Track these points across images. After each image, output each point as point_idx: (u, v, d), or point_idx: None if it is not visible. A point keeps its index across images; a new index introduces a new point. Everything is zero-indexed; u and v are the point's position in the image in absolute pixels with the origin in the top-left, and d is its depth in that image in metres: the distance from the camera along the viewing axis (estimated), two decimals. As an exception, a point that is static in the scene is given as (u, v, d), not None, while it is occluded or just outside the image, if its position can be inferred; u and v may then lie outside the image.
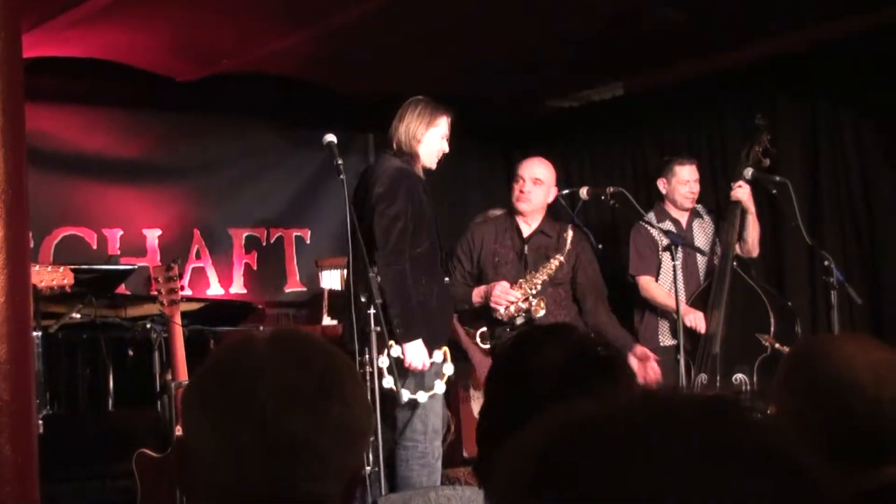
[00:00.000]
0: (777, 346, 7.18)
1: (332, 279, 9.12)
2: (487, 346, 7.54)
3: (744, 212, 7.76)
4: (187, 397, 2.01)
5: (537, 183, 7.32)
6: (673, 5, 7.54)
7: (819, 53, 8.38)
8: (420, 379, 6.52)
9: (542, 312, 7.11)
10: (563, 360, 2.47)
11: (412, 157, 6.79)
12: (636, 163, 9.79)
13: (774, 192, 7.57)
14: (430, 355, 6.49)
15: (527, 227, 7.45)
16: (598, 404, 1.07)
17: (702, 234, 8.03)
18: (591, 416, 1.06)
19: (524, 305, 7.10)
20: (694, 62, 8.94)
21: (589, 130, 10.14)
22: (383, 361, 6.34)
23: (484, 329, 7.54)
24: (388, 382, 6.35)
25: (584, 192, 7.55)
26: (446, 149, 6.92)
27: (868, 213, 8.38)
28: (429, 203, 6.71)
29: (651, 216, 7.96)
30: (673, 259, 7.37)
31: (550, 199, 7.45)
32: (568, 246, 7.24)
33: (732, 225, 7.73)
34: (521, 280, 7.19)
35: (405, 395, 6.45)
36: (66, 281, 6.08)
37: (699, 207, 8.17)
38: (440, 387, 6.60)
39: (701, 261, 7.97)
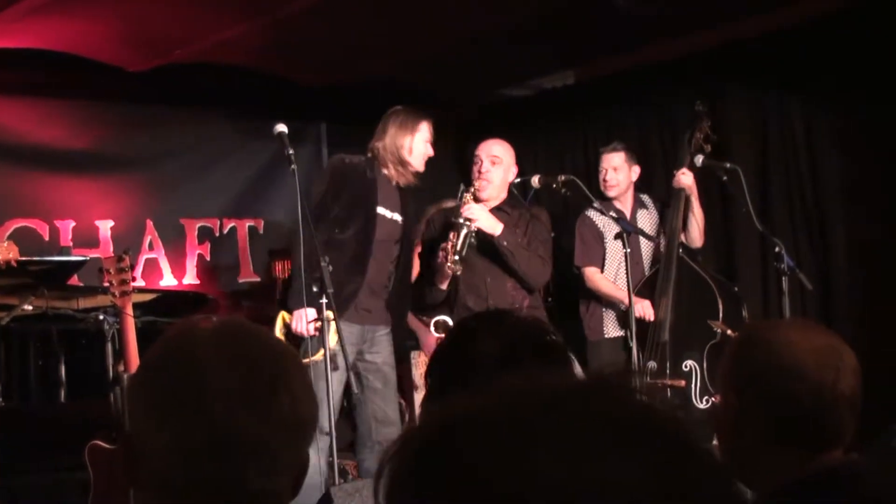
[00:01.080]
0: (728, 332, 7.22)
1: (285, 269, 9.11)
2: (440, 335, 7.56)
3: (688, 199, 7.77)
4: (133, 395, 1.98)
5: (496, 162, 7.24)
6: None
7: (768, 42, 8.42)
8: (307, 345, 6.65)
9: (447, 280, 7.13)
10: (498, 347, 2.48)
11: (402, 164, 6.96)
12: (588, 151, 9.81)
13: (725, 178, 7.58)
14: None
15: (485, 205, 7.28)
16: (475, 396, 1.07)
17: (646, 223, 8.01)
18: (468, 410, 1.06)
19: (456, 267, 7.02)
20: (645, 50, 8.97)
21: (540, 118, 10.15)
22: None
23: (439, 318, 7.54)
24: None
25: (535, 180, 7.54)
26: (431, 152, 7.01)
27: (817, 199, 8.43)
28: (372, 203, 6.84)
29: (593, 206, 7.95)
30: (624, 247, 7.40)
31: (510, 177, 7.38)
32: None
33: (676, 212, 7.74)
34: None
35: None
36: (10, 255, 6.04)
37: (644, 197, 8.17)
38: (319, 355, 6.61)
39: (646, 250, 7.96)
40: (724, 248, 8.77)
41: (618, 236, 7.59)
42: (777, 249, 7.09)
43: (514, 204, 7.45)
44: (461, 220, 6.94)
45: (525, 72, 9.90)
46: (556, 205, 9.02)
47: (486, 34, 8.29)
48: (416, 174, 7.05)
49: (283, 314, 6.79)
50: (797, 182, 8.52)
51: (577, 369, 2.62)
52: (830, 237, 8.35)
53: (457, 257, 6.91)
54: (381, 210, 6.97)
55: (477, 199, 7.20)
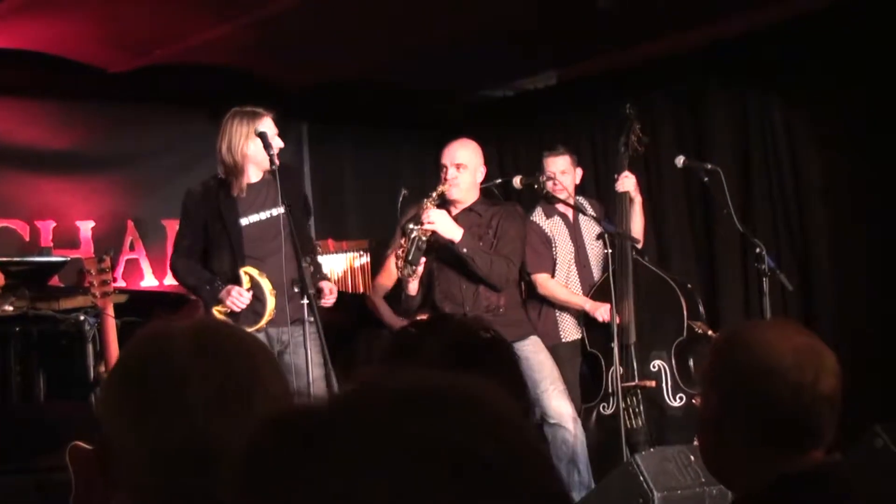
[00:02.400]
0: (709, 332, 7.24)
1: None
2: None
3: (632, 201, 7.76)
4: (109, 401, 1.95)
5: (461, 168, 7.18)
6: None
7: (749, 41, 8.45)
8: None
9: (412, 285, 7.12)
10: (442, 351, 2.48)
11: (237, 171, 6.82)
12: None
13: (706, 180, 7.59)
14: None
15: (454, 209, 7.25)
16: (301, 401, 1.07)
17: (586, 225, 7.98)
18: (291, 415, 1.05)
19: (406, 272, 7.02)
20: (626, 52, 8.99)
21: (522, 119, 10.17)
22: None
23: (423, 317, 7.55)
24: None
25: (517, 180, 7.54)
26: (280, 143, 6.86)
27: (798, 200, 8.46)
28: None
29: (538, 211, 7.91)
30: (606, 248, 7.38)
31: (479, 178, 7.33)
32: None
33: (624, 215, 7.71)
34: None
35: None
36: None
37: (581, 200, 8.10)
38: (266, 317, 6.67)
39: (593, 254, 7.92)
40: (705, 249, 8.79)
41: (598, 237, 7.59)
42: (758, 250, 7.10)
43: (488, 204, 7.40)
44: (412, 226, 6.95)
45: (507, 73, 9.91)
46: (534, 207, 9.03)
47: (468, 35, 8.30)
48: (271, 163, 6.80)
49: (215, 311, 6.70)
50: (778, 183, 8.55)
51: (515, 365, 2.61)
52: (811, 238, 8.38)
53: (405, 263, 6.92)
54: (245, 220, 6.84)
55: (445, 203, 7.20)
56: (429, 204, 7.02)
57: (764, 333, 2.70)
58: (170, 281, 9.41)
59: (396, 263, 7.00)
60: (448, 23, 8.02)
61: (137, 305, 7.75)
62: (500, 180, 7.80)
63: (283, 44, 8.39)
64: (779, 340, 2.63)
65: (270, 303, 6.64)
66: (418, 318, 7.44)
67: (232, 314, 6.61)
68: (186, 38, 8.05)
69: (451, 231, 6.98)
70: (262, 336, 6.58)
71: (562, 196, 7.82)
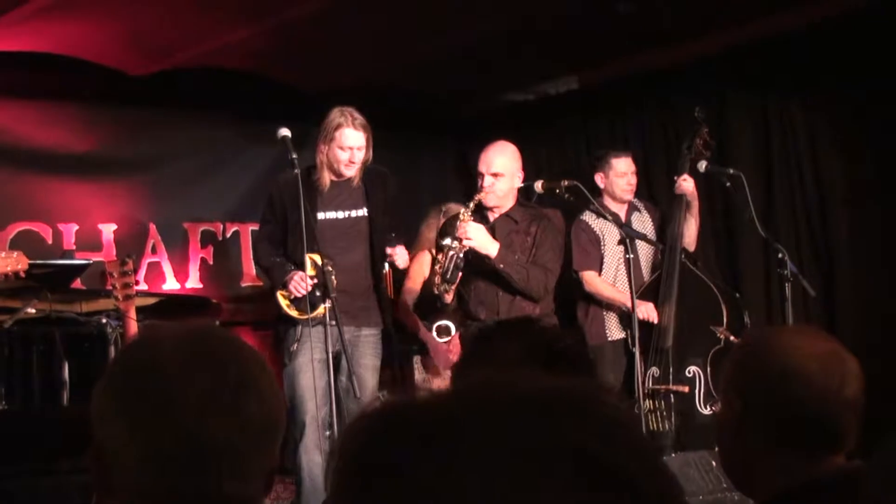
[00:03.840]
0: (731, 338, 7.21)
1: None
2: (443, 340, 7.57)
3: (689, 205, 7.77)
4: (101, 403, 1.95)
5: (498, 176, 7.13)
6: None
7: (770, 46, 8.42)
8: None
9: (448, 300, 7.10)
10: (521, 354, 2.49)
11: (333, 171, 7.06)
12: (591, 156, 9.81)
13: (728, 184, 7.58)
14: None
15: (492, 215, 7.24)
16: (417, 398, 1.06)
17: (640, 227, 8.00)
18: (407, 412, 1.05)
19: (442, 288, 7.00)
20: (647, 56, 8.97)
21: (544, 124, 10.15)
22: None
23: (441, 322, 7.55)
24: None
25: (538, 185, 7.53)
26: (355, 159, 7.04)
27: (820, 206, 8.43)
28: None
29: (588, 211, 7.94)
30: (627, 252, 7.38)
31: (517, 183, 7.27)
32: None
33: (678, 218, 7.73)
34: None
35: None
36: (20, 266, 6.05)
37: (636, 201, 8.17)
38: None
39: (644, 255, 7.95)
40: (728, 254, 8.77)
41: (620, 241, 7.59)
42: (780, 255, 7.08)
43: (525, 209, 7.35)
44: (449, 242, 6.93)
45: (529, 77, 9.89)
46: (559, 209, 9.02)
47: (490, 39, 8.29)
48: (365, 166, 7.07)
49: (279, 294, 6.87)
50: (800, 187, 8.52)
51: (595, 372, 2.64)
52: (833, 243, 8.35)
53: (443, 280, 6.91)
54: (322, 215, 7.01)
55: (481, 209, 7.18)
56: (465, 217, 6.99)
57: (788, 339, 2.70)
58: (191, 284, 9.44)
59: (434, 280, 6.99)
60: (469, 27, 8.01)
61: (159, 308, 7.77)
62: (521, 185, 7.80)
63: (303, 48, 8.40)
64: (803, 346, 2.62)
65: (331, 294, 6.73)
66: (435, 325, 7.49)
67: (294, 299, 6.79)
68: (206, 41, 8.06)
69: (488, 247, 6.96)
70: (319, 331, 6.72)
71: (627, 198, 7.94)
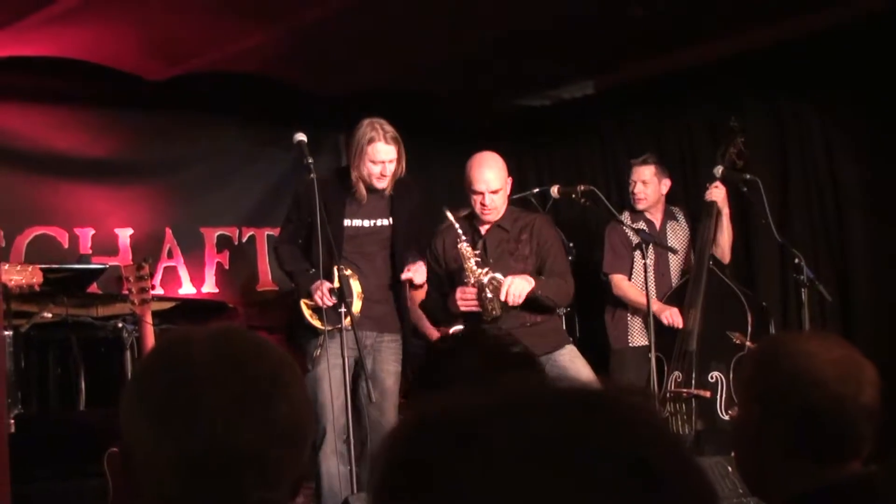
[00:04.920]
0: (748, 343, 7.20)
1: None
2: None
3: (720, 212, 7.75)
4: (128, 406, 1.93)
5: (497, 192, 7.03)
6: (638, 3, 7.57)
7: (786, 50, 8.40)
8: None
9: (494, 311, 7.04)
10: (477, 364, 2.50)
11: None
12: (606, 161, 9.80)
13: (744, 190, 7.57)
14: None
15: (483, 227, 7.19)
16: (449, 400, 1.06)
17: (674, 236, 7.99)
18: (442, 414, 1.05)
19: (490, 294, 6.95)
20: (663, 60, 8.95)
21: (559, 128, 10.15)
22: None
23: (458, 327, 7.55)
24: None
25: (554, 190, 7.53)
26: (386, 172, 7.02)
27: (837, 210, 8.41)
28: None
29: (626, 215, 7.94)
30: (644, 258, 7.38)
31: (508, 191, 7.17)
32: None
33: (708, 225, 7.72)
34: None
35: None
36: (35, 280, 6.06)
37: (674, 209, 8.15)
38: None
39: (673, 262, 7.94)
40: (744, 260, 8.75)
41: (636, 247, 7.58)
42: (796, 261, 7.08)
43: (511, 215, 7.25)
44: (488, 294, 6.86)
45: (544, 81, 9.89)
46: (575, 215, 9.02)
47: (504, 44, 8.29)
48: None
49: (303, 302, 6.89)
50: (817, 192, 8.50)
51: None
52: (850, 248, 8.33)
53: (492, 317, 6.90)
54: (348, 222, 7.03)
55: (471, 218, 7.19)
56: (478, 272, 6.92)
57: (805, 345, 2.70)
58: (207, 289, 9.45)
59: (483, 316, 6.96)
60: (484, 31, 8.01)
61: (175, 313, 7.79)
62: (537, 190, 7.80)
63: (318, 52, 8.41)
64: (820, 352, 2.62)
65: (356, 305, 6.80)
66: (451, 331, 7.47)
67: (317, 308, 6.80)
68: (222, 46, 8.07)
69: (527, 288, 6.89)
70: (347, 336, 6.72)
71: (640, 206, 7.89)
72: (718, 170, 7.66)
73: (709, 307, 7.56)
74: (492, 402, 1.04)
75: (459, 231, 6.91)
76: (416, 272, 6.99)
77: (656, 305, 7.47)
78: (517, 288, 6.81)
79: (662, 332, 7.49)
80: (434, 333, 7.71)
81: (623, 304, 7.92)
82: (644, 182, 7.98)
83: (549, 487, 0.95)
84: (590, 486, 0.96)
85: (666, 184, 8.09)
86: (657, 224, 7.98)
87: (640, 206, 7.97)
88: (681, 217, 8.12)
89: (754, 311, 7.52)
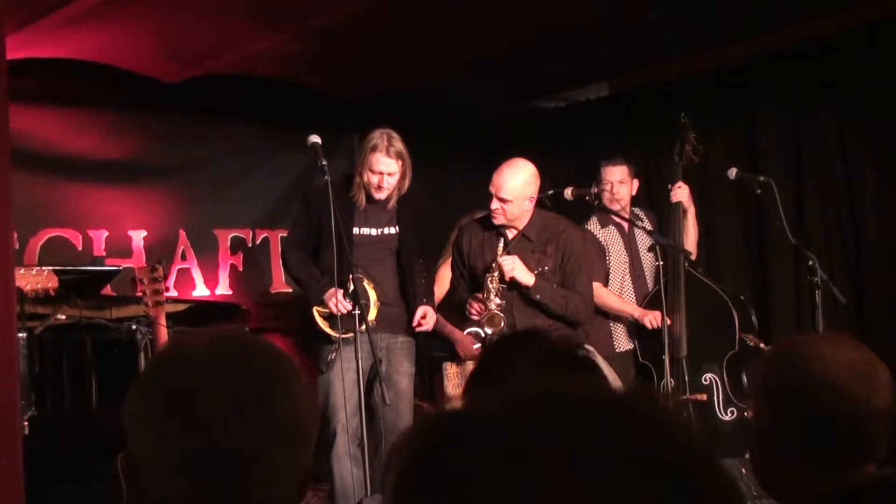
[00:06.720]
0: (761, 344, 7.19)
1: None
2: (476, 346, 7.55)
3: (685, 212, 7.72)
4: (132, 409, 1.95)
5: (506, 202, 6.89)
6: (655, 6, 7.57)
7: (802, 52, 8.40)
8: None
9: (494, 327, 6.98)
10: (534, 363, 2.50)
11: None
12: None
13: (759, 192, 7.56)
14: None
15: (511, 232, 7.08)
16: (479, 404, 1.05)
17: (642, 237, 7.95)
18: (469, 418, 1.04)
19: (489, 330, 6.92)
20: (678, 63, 8.96)
21: (574, 130, 10.15)
22: None
23: (472, 330, 7.53)
24: None
25: (568, 192, 7.51)
26: (385, 184, 7.03)
27: (852, 212, 8.40)
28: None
29: (593, 220, 7.90)
30: (657, 260, 7.37)
31: (528, 206, 6.99)
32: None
33: (677, 226, 7.68)
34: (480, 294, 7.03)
35: None
36: (50, 284, 6.08)
37: (636, 210, 8.08)
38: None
39: (647, 265, 7.90)
40: (758, 262, 8.74)
41: (650, 249, 7.56)
42: (811, 263, 7.06)
43: (540, 224, 7.12)
44: (492, 283, 6.90)
45: (559, 83, 9.89)
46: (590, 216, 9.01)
47: (519, 46, 8.29)
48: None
49: (315, 310, 6.90)
50: (831, 194, 8.49)
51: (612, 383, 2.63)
52: (864, 250, 8.32)
53: (495, 297, 6.89)
54: (357, 230, 7.04)
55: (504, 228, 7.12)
56: (501, 251, 6.95)
57: (819, 347, 2.69)
58: (221, 291, 9.46)
59: (479, 311, 6.97)
60: (499, 34, 8.02)
61: (189, 315, 7.79)
62: (551, 192, 7.76)
63: (332, 54, 8.41)
64: (834, 354, 2.62)
65: (372, 313, 6.82)
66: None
67: (330, 316, 6.80)
68: (238, 48, 8.09)
69: (525, 277, 6.89)
70: (362, 340, 6.70)
71: (615, 207, 7.79)
72: (733, 172, 7.64)
73: (691, 308, 7.52)
74: (511, 410, 1.03)
75: (500, 247, 6.94)
76: (427, 320, 7.04)
77: (638, 311, 7.49)
78: (511, 266, 6.87)
79: (646, 338, 7.48)
80: (456, 333, 7.65)
81: (603, 311, 7.79)
82: (620, 182, 7.92)
83: (569, 493, 0.95)
84: (608, 490, 0.96)
85: (635, 185, 8.04)
86: (625, 227, 7.92)
87: (616, 207, 7.84)
88: (644, 218, 8.06)
89: (737, 307, 7.48)
